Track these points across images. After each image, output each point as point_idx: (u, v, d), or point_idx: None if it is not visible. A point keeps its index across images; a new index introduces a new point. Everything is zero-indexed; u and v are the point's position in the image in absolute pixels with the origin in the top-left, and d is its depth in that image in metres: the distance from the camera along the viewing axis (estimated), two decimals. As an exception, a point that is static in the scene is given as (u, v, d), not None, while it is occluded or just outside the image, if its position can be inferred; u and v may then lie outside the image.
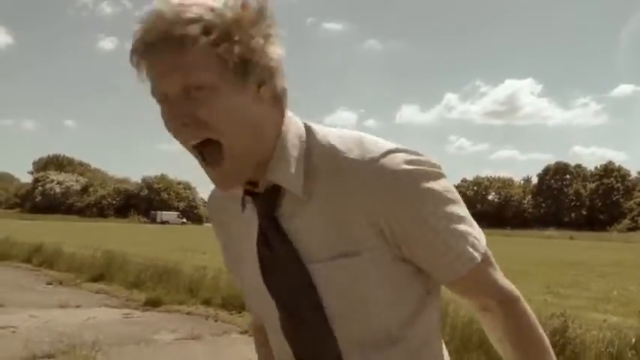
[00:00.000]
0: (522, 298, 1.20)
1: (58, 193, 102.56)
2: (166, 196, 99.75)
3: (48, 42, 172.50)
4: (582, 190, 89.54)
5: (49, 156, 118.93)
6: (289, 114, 1.17)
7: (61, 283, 13.07)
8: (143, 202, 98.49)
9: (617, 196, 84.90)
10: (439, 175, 1.13)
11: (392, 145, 1.12)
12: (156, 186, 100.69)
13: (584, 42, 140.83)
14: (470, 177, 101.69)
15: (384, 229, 1.11)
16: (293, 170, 1.13)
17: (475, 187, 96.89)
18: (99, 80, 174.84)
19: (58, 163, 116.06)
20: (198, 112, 1.04)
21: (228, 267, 1.40)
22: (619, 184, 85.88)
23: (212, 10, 1.05)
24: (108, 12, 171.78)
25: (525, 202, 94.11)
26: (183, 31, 1.02)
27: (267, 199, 1.17)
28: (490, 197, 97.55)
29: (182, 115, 1.05)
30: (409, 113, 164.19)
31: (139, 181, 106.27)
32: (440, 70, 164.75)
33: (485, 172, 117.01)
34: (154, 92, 1.08)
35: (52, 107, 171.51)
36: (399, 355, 1.17)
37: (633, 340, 5.80)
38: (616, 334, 6.02)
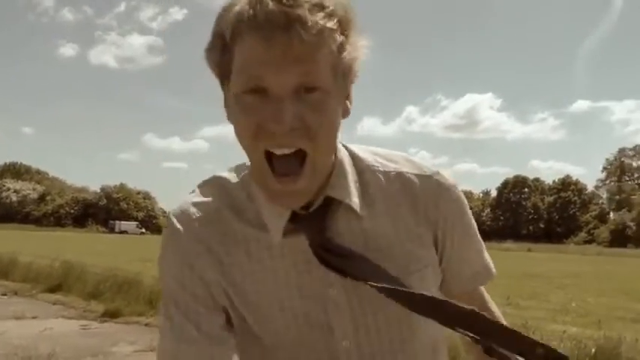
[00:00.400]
0: None
1: (14, 202, 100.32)
2: (125, 205, 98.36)
3: (7, 47, 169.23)
4: (540, 204, 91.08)
5: (5, 163, 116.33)
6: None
7: (16, 293, 12.72)
8: (102, 211, 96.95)
9: (574, 210, 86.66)
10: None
11: (447, 177, 1.14)
12: (115, 195, 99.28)
13: (543, 58, 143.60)
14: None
15: (438, 239, 1.11)
16: (352, 188, 1.04)
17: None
18: (59, 87, 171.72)
19: (15, 170, 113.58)
20: (308, 116, 0.90)
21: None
22: (576, 198, 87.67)
23: (343, 6, 0.92)
24: (69, 18, 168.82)
25: (484, 214, 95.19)
26: (324, 23, 0.87)
27: (317, 219, 1.01)
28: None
29: (292, 117, 0.88)
30: (370, 125, 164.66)
31: (98, 191, 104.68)
32: (401, 83, 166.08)
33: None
34: (249, 79, 0.89)
35: (10, 114, 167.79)
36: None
37: (593, 350, 5.88)
38: (576, 344, 6.11)
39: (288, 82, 0.88)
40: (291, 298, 1.03)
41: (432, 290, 1.08)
